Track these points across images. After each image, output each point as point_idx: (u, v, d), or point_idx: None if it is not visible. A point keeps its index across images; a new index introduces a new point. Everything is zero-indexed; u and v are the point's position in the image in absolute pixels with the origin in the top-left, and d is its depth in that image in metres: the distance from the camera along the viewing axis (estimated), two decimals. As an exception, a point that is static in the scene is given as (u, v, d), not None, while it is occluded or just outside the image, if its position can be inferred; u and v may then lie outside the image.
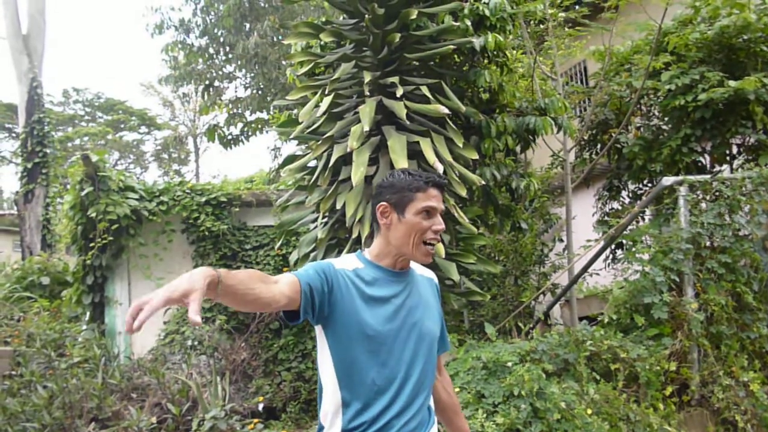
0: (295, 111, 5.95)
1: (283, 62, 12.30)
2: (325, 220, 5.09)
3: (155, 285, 7.94)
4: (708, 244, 5.01)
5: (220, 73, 14.76)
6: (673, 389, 4.40)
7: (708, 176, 5.38)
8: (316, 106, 5.05)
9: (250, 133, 14.71)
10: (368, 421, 1.94)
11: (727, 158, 7.04)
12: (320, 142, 4.77)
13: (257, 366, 7.18)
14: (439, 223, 2.08)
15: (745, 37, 6.71)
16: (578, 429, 3.80)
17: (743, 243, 5.03)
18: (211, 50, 14.33)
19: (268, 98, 13.57)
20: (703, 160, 7.10)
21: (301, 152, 5.55)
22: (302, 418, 6.81)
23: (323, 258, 5.09)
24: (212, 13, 13.77)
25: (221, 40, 13.75)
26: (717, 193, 5.22)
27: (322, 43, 5.54)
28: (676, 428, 4.13)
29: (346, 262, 2.08)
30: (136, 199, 7.62)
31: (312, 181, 4.97)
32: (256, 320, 7.38)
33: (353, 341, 1.96)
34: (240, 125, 14.78)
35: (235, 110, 14.89)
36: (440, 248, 4.48)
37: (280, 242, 6.06)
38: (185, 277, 1.59)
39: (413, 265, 2.22)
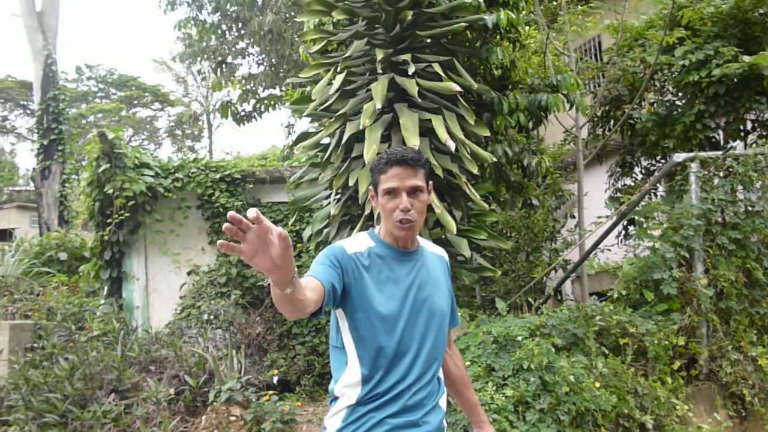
0: (308, 88, 5.99)
1: (296, 39, 12.28)
2: (338, 196, 5.15)
3: (171, 260, 8.07)
4: (719, 220, 5.03)
5: (233, 49, 14.74)
6: (681, 364, 4.45)
7: (720, 153, 5.37)
8: (329, 83, 5.09)
9: (262, 110, 14.72)
10: (382, 392, 2.02)
11: (741, 134, 7.00)
12: (333, 119, 4.82)
13: (272, 340, 7.30)
14: (403, 203, 2.06)
15: (761, 11, 6.65)
16: (586, 402, 3.87)
17: (755, 219, 5.04)
18: (223, 26, 14.30)
19: (281, 75, 13.56)
20: (717, 136, 7.07)
21: (314, 129, 5.60)
22: (316, 390, 6.93)
23: (336, 235, 5.16)
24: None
25: (234, 16, 13.71)
26: (729, 170, 5.22)
27: (334, 20, 5.55)
28: (683, 402, 4.19)
29: (360, 243, 2.14)
30: (152, 176, 7.71)
31: (325, 158, 5.02)
32: (270, 295, 7.48)
33: (370, 321, 2.03)
34: (253, 102, 14.80)
35: (248, 87, 14.90)
36: (452, 224, 4.53)
37: (294, 218, 6.14)
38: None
39: (423, 242, 2.28)
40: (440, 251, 2.37)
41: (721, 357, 4.52)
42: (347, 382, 2.08)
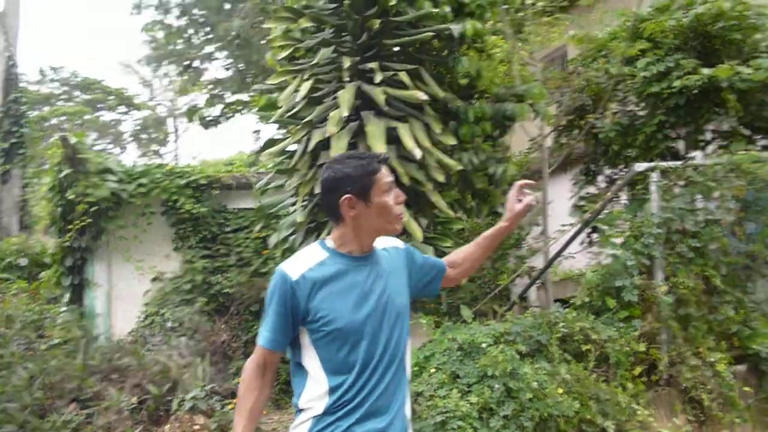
0: (275, 95, 5.98)
1: (264, 45, 12.24)
2: (305, 203, 5.15)
3: (134, 267, 7.96)
4: (679, 228, 5.13)
5: (200, 53, 14.66)
6: (642, 369, 4.53)
7: (680, 163, 5.49)
8: (296, 90, 5.09)
9: (230, 115, 14.64)
10: (347, 401, 2.04)
11: (701, 144, 7.17)
12: (299, 126, 4.83)
13: (237, 347, 7.25)
14: (399, 194, 2.17)
15: (720, 25, 6.82)
16: (549, 408, 3.92)
17: (713, 228, 5.15)
18: (190, 31, 14.21)
19: (249, 80, 13.51)
20: (677, 146, 7.23)
21: (281, 136, 5.59)
22: (282, 399, 6.88)
23: (303, 242, 5.16)
24: (191, -8, 13.65)
25: (201, 20, 13.64)
26: (689, 179, 5.33)
27: (301, 27, 5.56)
28: (644, 407, 4.27)
29: (308, 260, 2.13)
30: (116, 182, 7.61)
31: (292, 165, 5.02)
32: (236, 302, 7.44)
33: (331, 334, 2.05)
34: (220, 106, 14.71)
35: (215, 91, 14.82)
36: (418, 232, 4.56)
37: (260, 225, 6.11)
38: None
39: (381, 242, 2.29)
40: (392, 242, 2.37)
41: (680, 362, 4.61)
42: (312, 395, 2.09)
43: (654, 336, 4.67)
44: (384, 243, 2.33)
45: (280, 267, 2.15)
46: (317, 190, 4.73)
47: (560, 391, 4.03)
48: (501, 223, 2.53)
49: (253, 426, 2.13)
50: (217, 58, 14.73)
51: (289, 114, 5.04)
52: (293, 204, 5.34)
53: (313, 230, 5.18)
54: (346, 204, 2.10)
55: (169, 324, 7.07)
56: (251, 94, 11.74)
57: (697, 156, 6.98)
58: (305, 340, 2.10)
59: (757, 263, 5.40)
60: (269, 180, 5.56)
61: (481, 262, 2.64)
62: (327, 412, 2.04)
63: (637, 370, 4.46)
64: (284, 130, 5.77)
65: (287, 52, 5.36)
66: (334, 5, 5.26)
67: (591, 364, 4.34)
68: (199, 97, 15.85)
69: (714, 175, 5.31)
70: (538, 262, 7.59)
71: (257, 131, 13.76)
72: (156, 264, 7.99)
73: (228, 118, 14.66)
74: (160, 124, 31.10)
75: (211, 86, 14.85)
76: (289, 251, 5.45)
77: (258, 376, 2.14)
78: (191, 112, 14.70)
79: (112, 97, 31.89)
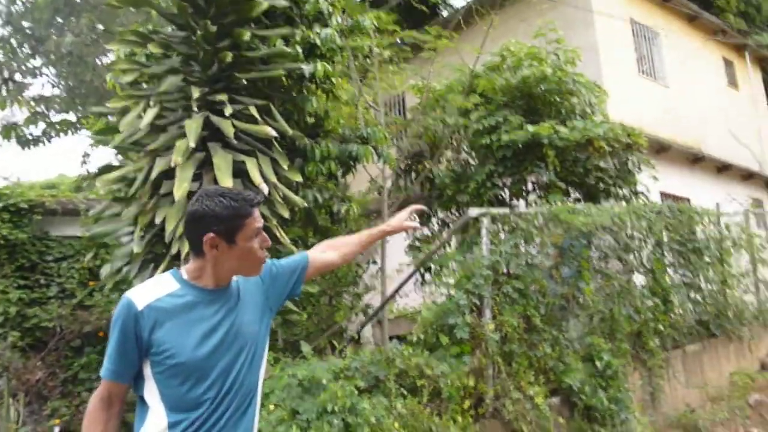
0: (114, 118, 5.72)
1: (99, 64, 11.64)
2: (143, 234, 4.93)
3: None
4: (505, 271, 5.55)
5: (24, 67, 13.59)
6: (471, 403, 4.80)
7: (507, 210, 5.95)
8: (139, 116, 4.92)
9: (53, 135, 13.64)
10: None
11: (524, 194, 7.83)
12: (142, 154, 4.66)
13: (54, 386, 6.68)
14: (265, 239, 2.16)
15: (543, 88, 7.56)
16: (386, 442, 4.03)
17: (534, 271, 5.63)
18: (14, 41, 13.16)
19: (78, 100, 12.73)
20: (503, 194, 7.83)
21: (118, 162, 5.34)
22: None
23: (138, 274, 4.93)
24: (18, 2, 12.69)
25: (28, 32, 12.69)
26: (514, 226, 5.79)
27: (147, 52, 5.40)
28: (472, 439, 4.52)
29: (157, 289, 2.08)
30: None
31: (131, 193, 4.81)
32: (56, 337, 6.88)
33: (174, 369, 2.00)
34: (42, 125, 13.67)
35: (38, 108, 13.76)
36: (261, 267, 4.53)
37: (90, 255, 5.75)
38: None
39: None
40: None
41: (504, 396, 4.94)
42: (152, 429, 2.02)
43: (482, 371, 4.97)
44: None
45: (126, 294, 2.07)
46: (158, 220, 4.57)
47: (396, 425, 4.16)
48: (385, 227, 2.75)
49: None
50: (44, 74, 13.73)
51: (131, 140, 4.84)
52: (130, 234, 5.10)
53: (149, 262, 4.97)
54: (208, 243, 2.05)
55: (-25, 361, 6.38)
56: (80, 115, 11.07)
57: (520, 204, 7.60)
58: (147, 372, 2.03)
59: (571, 305, 5.97)
60: (103, 208, 5.27)
61: (355, 254, 2.76)
62: None
63: (467, 403, 4.72)
64: (121, 156, 5.52)
65: (132, 77, 5.16)
66: (184, 33, 5.18)
67: (425, 399, 4.53)
68: (19, 114, 14.62)
69: (536, 223, 5.82)
70: (372, 299, 7.79)
71: (86, 155, 12.90)
72: (-39, 294, 7.20)
73: (51, 139, 13.65)
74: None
75: (34, 103, 13.77)
76: (122, 283, 5.18)
77: (103, 408, 2.04)
78: (8, 130, 13.50)
79: None
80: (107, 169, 5.09)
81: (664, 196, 11.07)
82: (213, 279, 2.12)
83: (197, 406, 2.01)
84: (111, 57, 5.79)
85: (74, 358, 7.00)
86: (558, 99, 7.69)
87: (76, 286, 7.26)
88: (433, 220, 8.48)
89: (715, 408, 6.76)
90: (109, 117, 5.84)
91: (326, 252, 2.63)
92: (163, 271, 4.51)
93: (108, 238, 5.22)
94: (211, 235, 2.05)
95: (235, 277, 2.23)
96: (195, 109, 4.68)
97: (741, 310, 8.45)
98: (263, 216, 4.80)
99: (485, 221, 5.48)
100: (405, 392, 4.54)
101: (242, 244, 2.08)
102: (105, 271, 5.06)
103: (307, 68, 5.25)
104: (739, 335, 8.15)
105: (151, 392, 2.04)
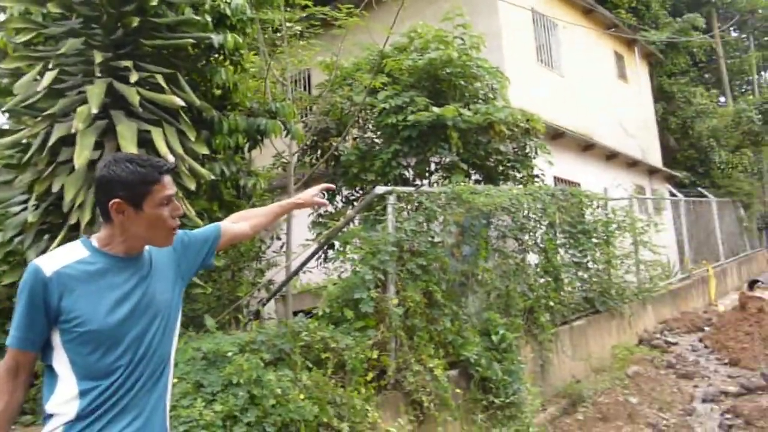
0: (6, 80, 5.40)
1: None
2: (37, 203, 4.72)
3: None
4: (409, 248, 5.69)
5: None
6: (374, 375, 4.92)
7: (412, 189, 6.10)
8: (35, 79, 4.68)
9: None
10: (100, 404, 1.98)
11: (427, 174, 8.02)
12: (39, 119, 4.44)
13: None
14: (177, 208, 2.14)
15: (448, 71, 7.75)
16: (291, 413, 4.08)
17: (437, 248, 5.81)
18: None
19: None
20: (407, 174, 8.00)
21: (10, 127, 5.06)
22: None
23: (32, 244, 4.73)
24: None
25: None
26: (418, 204, 5.95)
27: (44, 11, 5.12)
28: (374, 409, 4.64)
29: (67, 256, 2.05)
30: None
31: (25, 159, 4.58)
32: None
33: (84, 336, 1.98)
34: None
35: None
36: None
37: (-21, 224, 5.43)
38: None
39: None
40: None
41: (405, 368, 5.10)
42: (62, 398, 1.99)
43: (385, 344, 5.10)
44: None
45: (33, 261, 2.02)
46: (55, 188, 4.40)
47: (302, 396, 4.21)
48: (296, 200, 2.82)
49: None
50: None
51: (26, 104, 4.60)
52: (23, 203, 4.86)
53: (44, 232, 4.77)
54: (114, 208, 2.04)
55: None
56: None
57: (424, 184, 7.79)
58: (56, 341, 2.00)
59: (470, 281, 6.22)
60: (-6, 174, 5.00)
61: (266, 225, 2.82)
62: (79, 417, 1.96)
63: (370, 375, 4.84)
64: (13, 121, 5.23)
65: (26, 36, 4.88)
66: (86, -6, 4.95)
67: (329, 371, 4.61)
68: None
69: (439, 202, 6.00)
70: (275, 275, 7.78)
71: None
72: None
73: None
74: None
75: None
76: (13, 254, 4.95)
77: (8, 379, 1.99)
78: None
79: None
80: (-1, 133, 4.83)
81: (558, 180, 11.66)
82: (123, 246, 2.10)
83: (109, 374, 2.00)
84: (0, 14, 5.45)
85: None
86: (462, 82, 7.91)
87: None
88: (338, 197, 8.55)
89: (597, 378, 7.26)
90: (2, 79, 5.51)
91: (238, 223, 2.65)
92: (61, 241, 4.36)
93: (-1, 207, 4.94)
94: (117, 200, 2.04)
95: (147, 247, 2.22)
96: (98, 74, 4.50)
97: (623, 289, 9.09)
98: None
99: (391, 199, 5.59)
100: (310, 365, 4.60)
101: (149, 211, 2.06)
102: (-5, 241, 4.81)
103: (216, 38, 5.15)
104: (620, 312, 8.76)
105: (60, 361, 2.01)
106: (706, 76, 25.87)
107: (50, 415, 2.00)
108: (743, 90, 30.59)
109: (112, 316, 2.01)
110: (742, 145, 21.10)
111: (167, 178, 2.10)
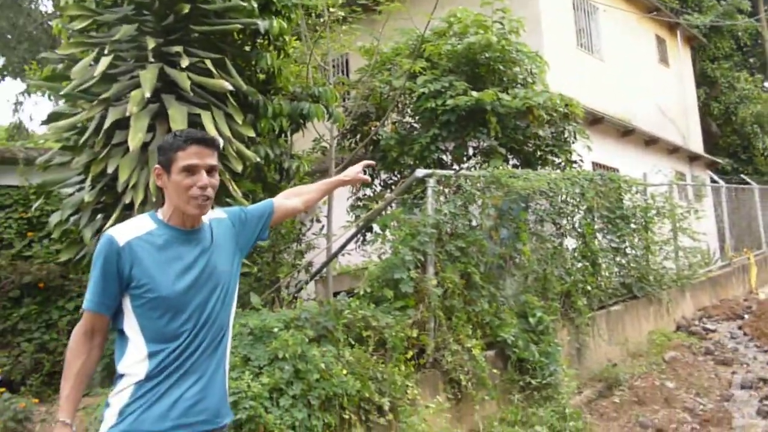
0: (60, 66, 5.62)
1: (33, 7, 11.20)
2: (92, 183, 4.93)
3: None
4: (447, 230, 5.79)
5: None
6: (413, 353, 5.05)
7: (451, 172, 6.18)
8: (90, 65, 4.88)
9: (-20, 81, 13.08)
10: (167, 366, 2.14)
11: (465, 158, 8.08)
12: (96, 102, 4.63)
13: (-8, 339, 6.60)
14: (202, 180, 2.18)
15: (487, 55, 7.78)
16: (335, 387, 4.23)
17: (475, 231, 5.90)
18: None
19: (12, 45, 12.21)
20: (445, 158, 8.07)
21: (67, 110, 5.27)
22: (44, 391, 6.40)
23: (88, 223, 4.94)
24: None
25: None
26: (457, 188, 6.03)
27: (99, -1, 5.32)
28: (414, 386, 4.78)
29: (137, 228, 2.21)
30: None
31: (81, 142, 4.78)
32: (-8, 287, 6.77)
33: (153, 302, 2.15)
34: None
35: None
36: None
37: (38, 203, 5.68)
38: None
39: (208, 215, 2.38)
40: (219, 214, 2.48)
41: (444, 348, 5.22)
42: (133, 359, 2.16)
43: (424, 324, 5.22)
44: (212, 215, 2.43)
45: (107, 232, 2.20)
46: (110, 169, 4.59)
47: (344, 372, 4.36)
48: (342, 177, 2.98)
49: (81, 389, 2.14)
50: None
51: (81, 89, 4.80)
52: (79, 183, 5.08)
53: (99, 211, 4.98)
54: (155, 173, 2.26)
55: None
56: (18, 61, 10.65)
57: (462, 168, 7.85)
58: (127, 306, 2.17)
59: (508, 264, 6.30)
60: (52, 156, 5.21)
61: (316, 200, 2.98)
62: (148, 377, 2.13)
63: (410, 354, 4.97)
64: (68, 104, 5.44)
65: (82, 24, 5.07)
66: (136, -18, 5.12)
67: (371, 348, 4.75)
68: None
69: (478, 186, 6.08)
70: (314, 257, 7.94)
71: (18, 102, 12.39)
72: None
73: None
74: None
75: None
76: (70, 233, 5.18)
77: (85, 341, 2.16)
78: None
79: None
80: (57, 116, 5.04)
81: (596, 165, 11.60)
82: (179, 218, 2.25)
83: (175, 338, 2.16)
84: (47, 3, 5.66)
85: (13, 308, 6.91)
86: (501, 67, 7.94)
87: (14, 236, 7.12)
88: (376, 181, 8.66)
89: (634, 363, 7.28)
90: (57, 65, 5.72)
91: (290, 198, 2.80)
92: (116, 220, 4.56)
93: (57, 187, 5.16)
94: (157, 166, 2.25)
95: (207, 221, 2.37)
96: (150, 59, 4.66)
97: (661, 275, 9.05)
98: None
99: (431, 182, 5.68)
100: (352, 342, 4.75)
101: (174, 177, 2.19)
102: (54, 219, 5.03)
103: (262, 24, 5.27)
104: (658, 298, 8.73)
105: (130, 325, 2.18)
106: (751, 60, 25.20)
107: (122, 375, 2.17)
108: (789, 75, 29.78)
109: (179, 283, 2.17)
110: (787, 132, 20.63)
111: (193, 148, 2.19)
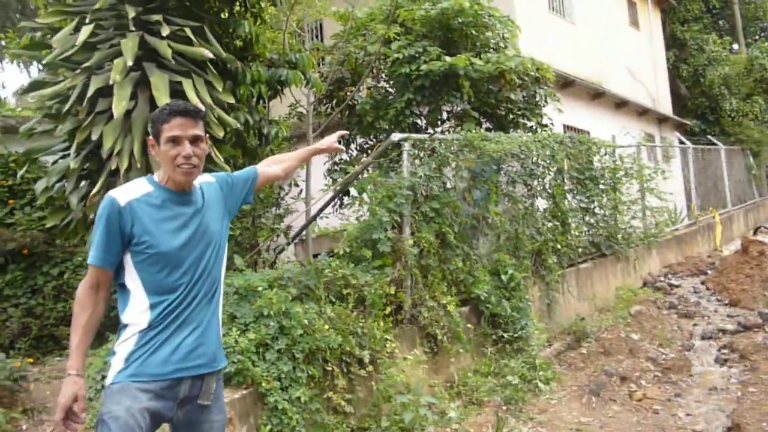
0: (39, 34, 5.66)
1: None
2: (77, 150, 5.04)
3: None
4: (423, 192, 6.00)
5: None
6: (391, 309, 5.29)
7: (426, 135, 6.37)
8: (71, 33, 4.95)
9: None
10: (167, 314, 2.35)
11: (439, 122, 8.26)
12: (78, 71, 4.72)
13: (-24, 305, 6.72)
14: (185, 150, 2.34)
15: (460, 20, 7.91)
16: (317, 341, 4.46)
17: (449, 193, 6.11)
18: None
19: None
20: (420, 122, 8.25)
21: (48, 79, 5.34)
22: (33, 354, 6.59)
23: (74, 189, 5.06)
24: None
25: None
26: (432, 151, 6.22)
27: (75, -33, 5.35)
28: (392, 340, 5.03)
29: (136, 190, 2.41)
30: None
31: (65, 110, 4.88)
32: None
33: (153, 257, 2.35)
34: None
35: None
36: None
37: (24, 170, 5.77)
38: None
39: (198, 179, 2.56)
40: (208, 178, 2.67)
41: (420, 304, 5.47)
42: (136, 310, 2.36)
43: (401, 281, 5.46)
44: (203, 179, 2.63)
45: (109, 193, 2.39)
46: (94, 137, 4.71)
47: (326, 327, 4.59)
48: (318, 145, 3.21)
49: (89, 340, 2.34)
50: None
51: (62, 57, 4.88)
52: (63, 150, 5.19)
53: (84, 177, 5.10)
54: (149, 143, 2.46)
55: None
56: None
57: (436, 132, 8.04)
58: (128, 262, 2.37)
59: (481, 224, 6.55)
60: (34, 123, 5.30)
61: (295, 168, 3.18)
62: (150, 326, 2.33)
63: (388, 310, 5.21)
64: (50, 73, 5.50)
65: (61, -8, 5.13)
66: (114, -50, 5.16)
67: (351, 305, 4.98)
68: None
69: (452, 149, 6.28)
70: (293, 221, 8.13)
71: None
72: None
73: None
74: None
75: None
76: (55, 199, 5.30)
77: (91, 294, 2.36)
78: None
79: None
80: (38, 85, 5.12)
81: (567, 128, 11.85)
82: (172, 182, 2.44)
83: (173, 290, 2.37)
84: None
85: (-2, 275, 7.03)
86: (474, 32, 8.08)
87: (-7, 202, 7.20)
88: (352, 145, 8.82)
89: (601, 317, 7.64)
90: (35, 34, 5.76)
91: (271, 166, 3.00)
92: (101, 186, 4.70)
93: (41, 155, 5.26)
94: (150, 137, 2.45)
95: (198, 184, 2.56)
96: (132, 28, 4.75)
97: (629, 234, 9.40)
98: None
99: (407, 145, 5.87)
100: (333, 299, 4.97)
101: (162, 147, 2.38)
102: (40, 186, 5.14)
103: (238, -10, 5.37)
104: (626, 256, 9.09)
105: (132, 279, 2.38)
106: (720, 23, 25.57)
107: (126, 325, 2.38)
108: (757, 37, 30.20)
109: (176, 240, 2.38)
110: (754, 93, 21.04)
111: (176, 120, 2.36)
